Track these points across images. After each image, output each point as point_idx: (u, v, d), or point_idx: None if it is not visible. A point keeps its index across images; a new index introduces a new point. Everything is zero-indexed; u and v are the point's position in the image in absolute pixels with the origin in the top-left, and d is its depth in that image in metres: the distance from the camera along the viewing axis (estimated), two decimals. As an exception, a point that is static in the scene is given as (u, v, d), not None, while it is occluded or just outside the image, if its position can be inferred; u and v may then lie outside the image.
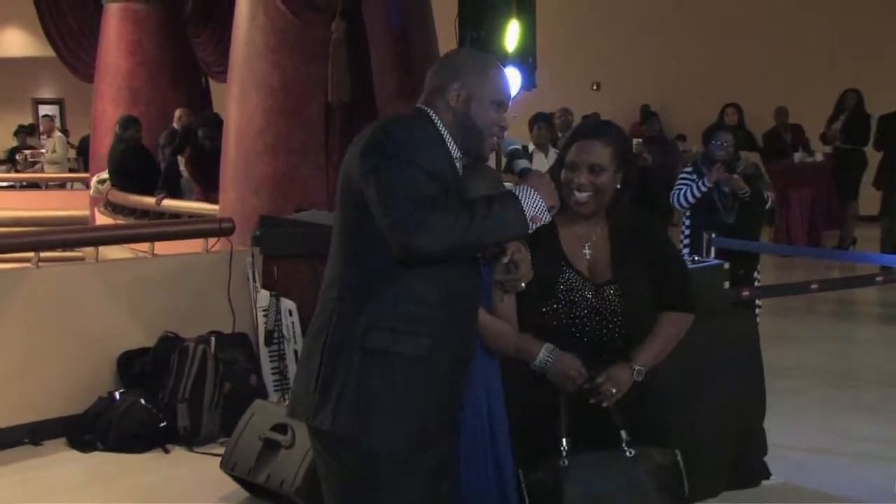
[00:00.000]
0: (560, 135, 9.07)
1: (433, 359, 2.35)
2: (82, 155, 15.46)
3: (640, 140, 9.25)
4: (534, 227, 2.34)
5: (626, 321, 2.76)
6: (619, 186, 2.82)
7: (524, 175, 2.41)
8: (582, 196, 2.78)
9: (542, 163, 8.09)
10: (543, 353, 2.71)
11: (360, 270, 2.36)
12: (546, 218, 2.35)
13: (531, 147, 8.17)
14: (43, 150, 16.52)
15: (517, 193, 2.34)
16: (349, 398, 2.32)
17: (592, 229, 2.85)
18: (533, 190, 2.35)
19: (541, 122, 8.27)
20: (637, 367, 2.75)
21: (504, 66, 6.93)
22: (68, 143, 17.46)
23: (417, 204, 2.23)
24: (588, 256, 2.82)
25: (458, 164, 2.46)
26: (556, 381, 2.72)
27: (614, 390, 2.71)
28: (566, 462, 2.63)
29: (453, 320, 2.40)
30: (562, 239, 2.83)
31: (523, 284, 2.58)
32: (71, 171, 16.22)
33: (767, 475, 4.48)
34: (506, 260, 2.52)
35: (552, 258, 2.78)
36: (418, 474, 2.38)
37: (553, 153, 8.29)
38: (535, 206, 2.33)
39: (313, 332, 2.44)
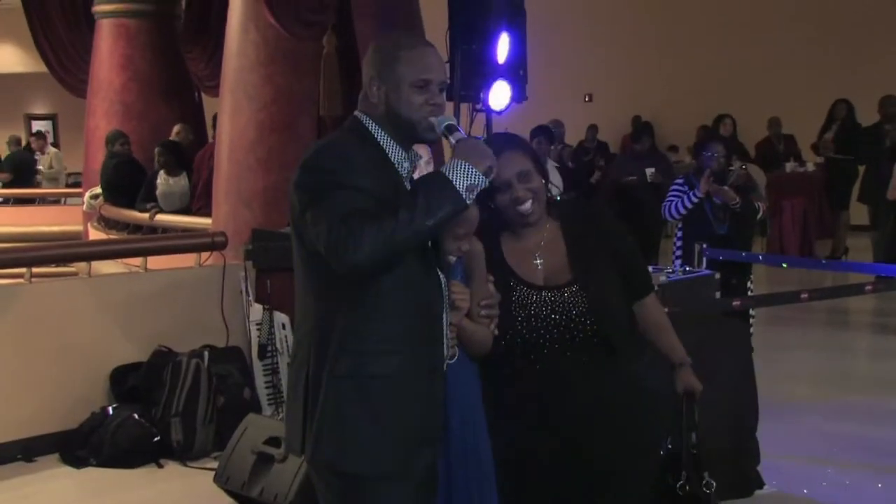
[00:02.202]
0: (552, 147, 9.07)
1: (404, 375, 2.33)
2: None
3: (653, 171, 9.29)
4: (472, 196, 2.26)
5: (595, 318, 2.73)
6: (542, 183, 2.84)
7: (455, 147, 2.32)
8: (526, 206, 2.77)
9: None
10: None
11: (324, 300, 2.34)
12: (484, 182, 2.27)
13: None
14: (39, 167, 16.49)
15: (444, 170, 2.27)
16: (329, 428, 2.32)
17: (539, 236, 2.84)
18: (461, 161, 2.26)
19: (541, 136, 8.19)
20: (685, 362, 2.93)
21: (495, 79, 6.91)
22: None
23: (346, 220, 2.19)
24: (540, 266, 2.80)
25: (405, 164, 2.41)
26: None
27: (696, 388, 2.93)
28: None
29: (419, 332, 2.38)
30: (508, 256, 2.82)
31: (486, 311, 2.65)
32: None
33: (761, 484, 4.49)
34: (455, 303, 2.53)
35: (499, 280, 2.76)
36: (406, 490, 2.37)
37: (551, 166, 8.29)
38: (467, 175, 2.25)
39: (295, 367, 2.42)
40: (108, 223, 10.29)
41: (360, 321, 2.31)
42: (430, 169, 3.12)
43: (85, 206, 11.25)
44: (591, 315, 2.73)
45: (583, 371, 2.74)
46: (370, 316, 2.31)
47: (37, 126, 21.49)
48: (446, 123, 2.38)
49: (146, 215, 9.22)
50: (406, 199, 2.25)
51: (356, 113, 2.45)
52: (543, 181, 2.82)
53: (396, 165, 2.40)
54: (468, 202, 2.27)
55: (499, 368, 2.75)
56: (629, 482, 2.76)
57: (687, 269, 5.01)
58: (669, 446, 2.94)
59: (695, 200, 5.89)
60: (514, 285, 2.78)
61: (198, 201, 8.76)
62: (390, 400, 2.32)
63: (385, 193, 2.28)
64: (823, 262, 9.60)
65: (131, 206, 9.60)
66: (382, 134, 2.40)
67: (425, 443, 2.41)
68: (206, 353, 5.36)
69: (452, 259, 2.55)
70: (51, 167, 16.18)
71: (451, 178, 2.25)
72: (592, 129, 14.76)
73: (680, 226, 6.18)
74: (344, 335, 2.31)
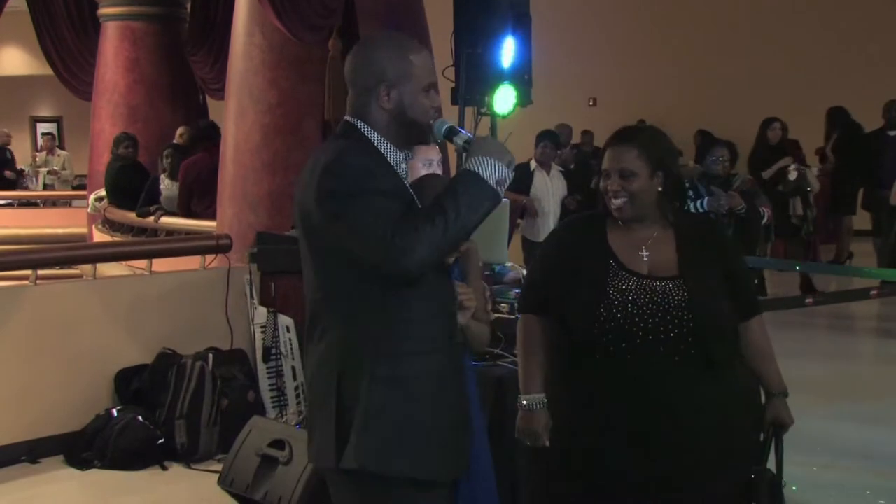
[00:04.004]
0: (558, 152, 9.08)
1: (442, 371, 2.34)
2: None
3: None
4: (503, 189, 2.29)
5: (693, 315, 2.66)
6: (660, 189, 2.76)
7: (469, 146, 2.35)
8: (617, 202, 2.74)
9: (543, 181, 8.08)
10: (534, 397, 2.76)
11: (348, 309, 2.32)
12: (509, 175, 2.30)
13: (533, 165, 8.13)
14: (43, 169, 16.52)
15: (472, 167, 2.28)
16: (374, 433, 2.28)
17: (647, 232, 2.79)
18: (484, 157, 2.28)
19: (546, 140, 8.18)
20: (781, 392, 2.93)
21: (500, 83, 6.91)
22: None
23: (392, 227, 2.19)
24: (646, 258, 2.75)
25: (403, 165, 2.43)
26: (520, 428, 2.77)
27: (786, 422, 2.92)
28: None
29: (445, 328, 2.40)
30: (612, 243, 2.78)
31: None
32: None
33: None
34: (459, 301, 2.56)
35: (599, 262, 2.74)
36: (448, 491, 2.41)
37: (556, 171, 8.29)
38: (494, 170, 2.27)
39: (322, 378, 2.36)
40: (112, 225, 10.31)
41: (392, 324, 2.30)
42: (440, 169, 3.15)
43: (89, 209, 11.28)
44: (689, 310, 2.66)
45: (674, 371, 2.66)
46: (400, 318, 2.30)
47: (42, 129, 21.56)
48: (446, 126, 2.41)
49: (151, 219, 9.24)
50: (446, 200, 2.24)
51: (348, 118, 2.45)
52: (660, 189, 2.74)
53: (395, 167, 2.41)
54: (502, 196, 2.30)
55: (584, 356, 2.70)
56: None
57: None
58: (752, 476, 2.85)
59: (701, 210, 5.87)
60: (614, 269, 2.73)
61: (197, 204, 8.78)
62: (434, 397, 2.32)
63: (400, 193, 2.31)
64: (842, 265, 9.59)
65: (135, 208, 9.62)
66: (379, 138, 2.40)
67: (465, 443, 2.44)
68: (210, 356, 5.37)
69: (451, 259, 2.56)
70: (64, 168, 16.25)
71: (482, 174, 2.27)
72: (588, 134, 14.75)
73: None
74: (378, 339, 2.29)
